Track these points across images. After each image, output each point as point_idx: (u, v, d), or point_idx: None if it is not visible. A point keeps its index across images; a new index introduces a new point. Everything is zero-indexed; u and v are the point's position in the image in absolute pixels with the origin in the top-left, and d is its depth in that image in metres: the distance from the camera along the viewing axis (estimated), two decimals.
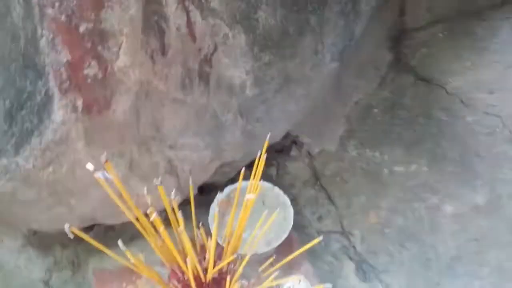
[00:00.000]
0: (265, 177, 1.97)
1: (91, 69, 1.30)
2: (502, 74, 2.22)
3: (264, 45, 1.56)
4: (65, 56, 1.28)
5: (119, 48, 1.31)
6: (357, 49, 2.05)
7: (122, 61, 1.32)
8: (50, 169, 1.41)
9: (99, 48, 1.29)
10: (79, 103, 1.33)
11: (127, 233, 1.63)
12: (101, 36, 1.28)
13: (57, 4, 1.24)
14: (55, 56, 1.28)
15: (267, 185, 1.70)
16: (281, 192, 1.69)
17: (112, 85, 1.34)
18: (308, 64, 1.72)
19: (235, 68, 1.53)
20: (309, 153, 2.01)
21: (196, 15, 1.39)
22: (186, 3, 1.37)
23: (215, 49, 1.47)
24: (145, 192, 1.23)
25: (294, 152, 2.02)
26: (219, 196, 1.62)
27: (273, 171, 1.97)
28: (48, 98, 1.33)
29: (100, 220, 1.61)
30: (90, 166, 1.08)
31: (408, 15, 2.37)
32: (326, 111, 2.06)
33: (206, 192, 1.82)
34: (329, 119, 2.09)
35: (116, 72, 1.33)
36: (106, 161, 1.14)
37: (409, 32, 2.38)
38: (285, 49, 1.62)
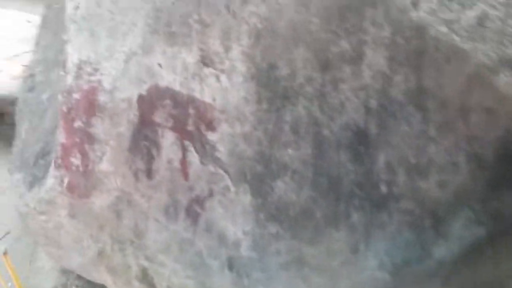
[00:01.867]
0: None
1: (76, 159, 1.36)
2: None
3: (274, 216, 1.37)
4: (61, 138, 1.36)
5: (103, 154, 1.33)
6: (471, 262, 1.60)
7: (104, 165, 1.34)
8: (43, 217, 1.55)
9: (86, 146, 1.33)
10: (66, 180, 1.41)
11: None
12: (89, 137, 1.32)
13: (65, 94, 1.32)
14: (57, 133, 1.38)
15: None
16: None
17: (92, 181, 1.38)
18: (338, 258, 1.43)
19: (232, 223, 1.38)
20: None
21: (193, 157, 1.31)
22: (185, 143, 1.30)
23: (211, 195, 1.36)
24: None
25: None
26: None
27: None
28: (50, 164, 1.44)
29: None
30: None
31: None
32: None
33: None
34: None
35: (96, 172, 1.35)
36: (5, 254, 1.21)
37: None
38: (303, 231, 1.38)
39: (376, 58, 1.22)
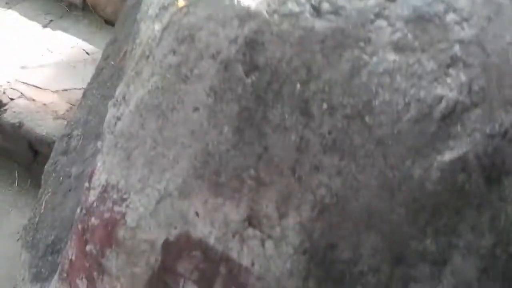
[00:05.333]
0: None
1: (82, 283, 1.15)
2: None
3: None
4: (71, 254, 1.17)
5: None
6: None
7: None
8: None
9: (95, 274, 1.13)
10: None
11: None
12: (99, 267, 1.11)
13: (84, 211, 1.12)
14: (68, 246, 1.18)
15: None
16: None
17: None
18: None
19: None
20: None
21: None
22: None
23: None
24: None
25: None
26: None
27: None
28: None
29: None
30: None
31: None
32: None
33: None
34: None
35: None
36: None
37: None
38: None
39: (464, 267, 0.95)
